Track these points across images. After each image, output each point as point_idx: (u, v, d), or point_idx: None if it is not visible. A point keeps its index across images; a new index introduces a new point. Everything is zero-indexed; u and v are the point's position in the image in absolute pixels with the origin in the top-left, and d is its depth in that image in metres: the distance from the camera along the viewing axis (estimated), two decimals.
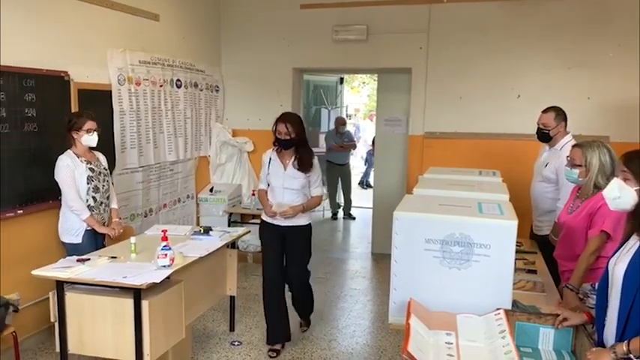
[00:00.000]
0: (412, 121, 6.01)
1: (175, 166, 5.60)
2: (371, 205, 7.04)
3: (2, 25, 3.53)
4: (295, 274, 3.94)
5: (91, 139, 3.69)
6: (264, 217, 3.90)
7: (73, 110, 4.08)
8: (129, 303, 2.93)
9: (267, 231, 3.87)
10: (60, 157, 3.66)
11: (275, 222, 3.80)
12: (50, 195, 3.87)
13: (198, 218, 6.07)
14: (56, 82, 3.98)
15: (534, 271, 3.18)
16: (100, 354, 3.13)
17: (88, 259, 3.24)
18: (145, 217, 5.11)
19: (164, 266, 3.09)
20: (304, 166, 3.74)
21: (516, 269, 2.25)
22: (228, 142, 6.25)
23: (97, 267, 3.13)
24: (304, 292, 4.12)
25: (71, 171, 3.64)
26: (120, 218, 4.03)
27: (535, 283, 2.94)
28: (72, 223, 3.70)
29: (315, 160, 3.82)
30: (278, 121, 3.72)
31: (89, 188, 3.72)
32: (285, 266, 3.92)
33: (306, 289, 4.12)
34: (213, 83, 6.23)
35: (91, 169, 3.73)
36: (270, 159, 3.83)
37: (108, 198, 3.92)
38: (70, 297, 3.05)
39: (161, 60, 5.23)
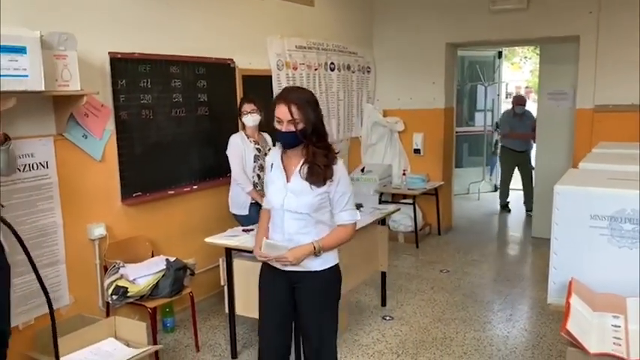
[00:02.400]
0: (580, 93, 5.50)
1: None
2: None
3: (178, 20, 3.94)
4: (308, 349, 2.49)
5: (249, 119, 4.00)
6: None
7: (238, 95, 4.45)
8: None
9: (266, 277, 2.48)
10: (232, 135, 4.05)
11: (277, 263, 2.39)
12: (220, 172, 4.27)
13: None
14: (223, 69, 4.34)
15: None
16: None
17: (252, 230, 3.53)
18: None
19: None
20: (315, 174, 2.27)
21: None
22: (379, 122, 6.30)
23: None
24: None
25: (240, 149, 3.99)
26: None
27: None
28: (240, 197, 4.06)
29: (338, 166, 2.33)
30: (276, 101, 2.31)
31: (255, 166, 4.04)
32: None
33: None
34: (364, 64, 6.31)
35: (258, 149, 4.05)
36: (272, 164, 2.44)
37: None
38: (237, 263, 3.36)
39: (316, 44, 5.42)
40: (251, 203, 4.04)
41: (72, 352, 2.90)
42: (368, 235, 3.95)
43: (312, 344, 2.46)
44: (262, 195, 4.07)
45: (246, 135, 4.06)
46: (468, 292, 4.57)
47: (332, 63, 5.69)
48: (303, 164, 2.31)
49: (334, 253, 2.43)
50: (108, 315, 3.38)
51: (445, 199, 6.49)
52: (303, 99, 2.29)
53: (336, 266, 2.44)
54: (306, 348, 2.50)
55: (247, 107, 4.02)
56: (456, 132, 6.89)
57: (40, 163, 3.07)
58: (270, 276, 2.45)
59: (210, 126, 4.23)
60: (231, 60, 4.41)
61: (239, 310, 3.41)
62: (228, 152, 4.04)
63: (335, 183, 2.32)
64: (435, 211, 6.35)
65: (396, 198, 6.20)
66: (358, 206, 4.03)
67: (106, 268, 3.41)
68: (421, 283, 4.83)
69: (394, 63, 6.39)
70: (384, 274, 4.29)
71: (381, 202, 6.02)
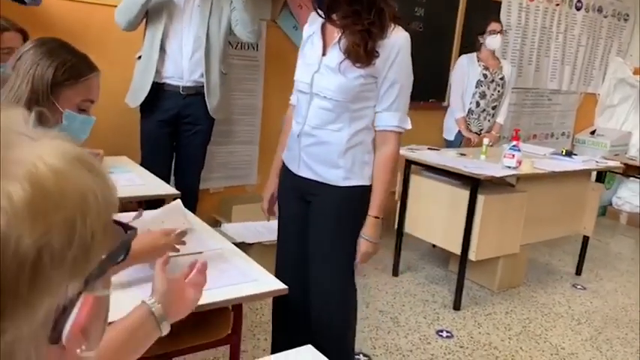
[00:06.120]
0: None
1: (555, 97, 5.12)
2: None
3: None
4: (315, 279, 1.84)
5: (491, 40, 3.64)
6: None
7: (458, 16, 4.14)
8: (465, 194, 2.86)
9: (285, 186, 1.93)
10: (461, 55, 3.80)
11: (293, 168, 1.84)
12: (432, 95, 4.09)
13: None
14: None
15: None
16: (430, 239, 3.22)
17: (438, 150, 3.30)
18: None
19: (509, 167, 2.89)
20: (354, 47, 1.58)
21: None
22: (626, 80, 5.34)
23: (445, 156, 3.16)
24: (327, 321, 1.86)
25: (462, 71, 3.71)
26: (498, 134, 3.94)
27: None
28: (450, 122, 3.83)
29: (396, 38, 1.62)
30: None
31: (476, 92, 3.71)
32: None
33: (334, 314, 1.87)
34: (622, 10, 5.34)
35: (484, 75, 3.70)
36: (311, 34, 1.76)
37: (494, 108, 3.83)
38: (414, 179, 3.18)
39: None
40: (459, 131, 3.77)
41: (247, 221, 3.13)
42: (575, 188, 3.40)
43: (315, 274, 1.83)
44: (468, 125, 3.77)
45: (478, 58, 3.72)
46: None
47: (579, 1, 4.94)
48: (342, 34, 1.61)
49: (367, 171, 1.75)
50: None
51: None
52: None
53: (367, 188, 1.75)
54: (312, 279, 1.84)
55: (494, 26, 3.64)
56: None
57: (252, 44, 3.26)
58: (288, 184, 1.89)
59: (422, 43, 4.01)
60: None
61: (407, 229, 3.26)
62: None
63: (387, 63, 1.61)
64: None
65: (628, 171, 5.24)
66: (570, 153, 3.51)
67: None
68: (635, 265, 4.05)
69: None
70: (586, 240, 3.67)
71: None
